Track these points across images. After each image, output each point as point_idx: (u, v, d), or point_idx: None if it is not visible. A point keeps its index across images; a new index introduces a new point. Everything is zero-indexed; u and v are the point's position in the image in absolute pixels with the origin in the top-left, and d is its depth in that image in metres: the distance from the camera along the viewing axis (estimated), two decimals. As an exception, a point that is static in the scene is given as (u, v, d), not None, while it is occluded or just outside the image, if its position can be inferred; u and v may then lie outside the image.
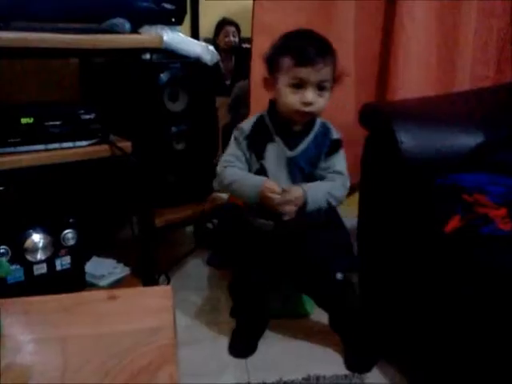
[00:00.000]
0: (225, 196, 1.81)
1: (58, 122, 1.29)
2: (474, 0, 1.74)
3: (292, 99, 1.19)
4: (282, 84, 1.20)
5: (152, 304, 0.69)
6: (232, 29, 3.43)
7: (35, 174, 1.30)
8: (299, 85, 1.18)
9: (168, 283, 1.60)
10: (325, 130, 1.29)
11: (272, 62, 1.24)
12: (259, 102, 1.68)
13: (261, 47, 1.65)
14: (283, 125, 1.26)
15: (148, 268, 1.52)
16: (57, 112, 1.30)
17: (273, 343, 1.42)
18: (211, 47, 1.75)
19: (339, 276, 1.28)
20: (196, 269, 1.84)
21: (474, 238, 1.03)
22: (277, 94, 1.24)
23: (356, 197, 1.50)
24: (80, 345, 0.60)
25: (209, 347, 1.40)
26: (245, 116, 1.68)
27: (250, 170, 1.28)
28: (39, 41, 1.18)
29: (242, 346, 1.40)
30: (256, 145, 1.27)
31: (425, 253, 1.16)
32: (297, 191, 1.21)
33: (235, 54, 3.41)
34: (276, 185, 1.21)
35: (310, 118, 1.25)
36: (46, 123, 1.27)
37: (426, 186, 1.24)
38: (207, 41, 3.02)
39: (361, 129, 1.43)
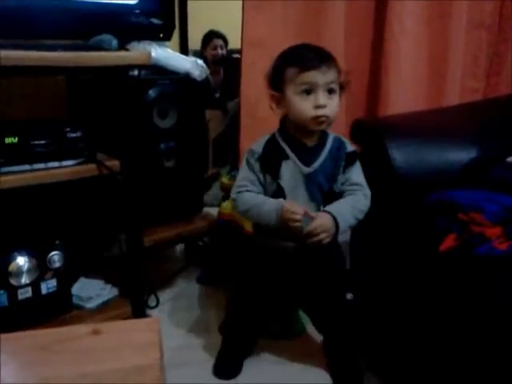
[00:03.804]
0: (215, 213, 1.79)
1: (43, 141, 1.25)
2: (464, 12, 1.73)
3: (304, 106, 1.17)
4: (292, 94, 1.18)
5: (138, 339, 0.66)
6: (219, 42, 3.42)
7: (20, 195, 1.26)
8: (309, 90, 1.17)
9: (157, 304, 1.57)
10: (339, 144, 1.25)
11: (276, 78, 1.22)
12: (250, 117, 1.67)
13: (251, 61, 1.64)
14: (296, 141, 1.23)
15: (137, 288, 1.48)
16: (42, 131, 1.26)
17: (262, 365, 1.39)
18: (200, 61, 1.72)
19: (349, 297, 1.26)
20: (186, 287, 1.81)
21: (470, 257, 1.01)
22: (287, 106, 1.20)
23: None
24: (61, 387, 0.57)
25: (198, 370, 1.36)
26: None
27: (265, 193, 1.23)
28: (24, 59, 1.16)
29: (228, 367, 1.37)
30: (270, 165, 1.22)
31: (419, 272, 1.14)
32: (326, 220, 1.16)
33: (224, 65, 3.40)
34: (296, 205, 1.16)
35: (325, 127, 1.21)
36: (31, 142, 1.24)
37: (420, 203, 1.23)
38: (196, 53, 3.01)
39: (352, 143, 1.42)
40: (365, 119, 1.65)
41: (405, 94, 1.72)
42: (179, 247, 2.05)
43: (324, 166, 1.22)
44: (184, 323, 1.58)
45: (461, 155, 1.33)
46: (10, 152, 1.21)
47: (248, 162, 1.24)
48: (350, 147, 1.26)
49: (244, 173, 1.25)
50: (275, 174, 1.21)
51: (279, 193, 1.21)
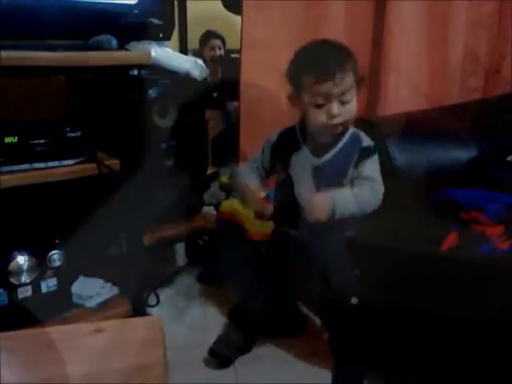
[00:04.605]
0: (214, 212, 1.79)
1: (43, 141, 1.25)
2: (463, 10, 1.74)
3: (318, 115, 1.20)
4: (307, 103, 1.21)
5: (141, 337, 0.65)
6: (217, 42, 3.41)
7: (20, 194, 1.26)
8: (323, 101, 1.19)
9: (157, 302, 1.57)
10: (355, 139, 1.26)
11: (295, 82, 1.24)
12: (250, 117, 1.67)
13: (250, 62, 1.65)
14: (312, 135, 1.26)
15: (137, 287, 1.48)
16: (42, 130, 1.26)
17: (267, 363, 1.39)
18: (200, 61, 1.72)
19: (354, 301, 1.26)
20: (186, 286, 1.81)
21: (471, 256, 1.02)
22: (304, 111, 1.24)
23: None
24: (64, 385, 0.57)
25: (199, 369, 1.35)
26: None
27: (265, 177, 1.32)
28: (24, 59, 1.16)
29: (224, 349, 1.35)
30: (281, 153, 1.27)
31: (421, 271, 1.13)
32: (321, 197, 1.17)
33: (222, 65, 3.40)
34: (259, 188, 1.25)
35: (342, 130, 1.23)
36: (31, 142, 1.24)
37: (421, 202, 1.23)
38: (195, 53, 3.00)
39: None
40: (366, 118, 1.65)
41: (405, 93, 1.72)
42: (179, 246, 2.05)
43: (335, 159, 1.24)
44: (184, 322, 1.58)
45: (462, 154, 1.33)
46: (10, 151, 1.21)
47: (262, 148, 1.32)
48: (367, 142, 1.25)
49: (255, 154, 1.34)
50: (285, 163, 1.26)
51: (288, 182, 1.25)
